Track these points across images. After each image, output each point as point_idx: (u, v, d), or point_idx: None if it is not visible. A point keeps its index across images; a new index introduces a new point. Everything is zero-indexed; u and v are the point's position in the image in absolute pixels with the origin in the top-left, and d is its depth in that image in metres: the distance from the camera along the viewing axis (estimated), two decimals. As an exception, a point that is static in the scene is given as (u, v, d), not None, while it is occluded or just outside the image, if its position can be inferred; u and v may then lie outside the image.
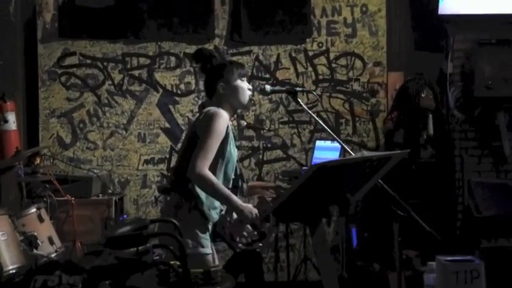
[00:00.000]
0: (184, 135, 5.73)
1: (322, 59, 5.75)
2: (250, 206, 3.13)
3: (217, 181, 3.14)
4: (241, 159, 5.70)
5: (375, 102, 5.73)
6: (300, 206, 3.03)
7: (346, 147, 3.19)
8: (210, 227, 3.31)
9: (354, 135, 5.74)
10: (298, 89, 3.42)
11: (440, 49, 5.51)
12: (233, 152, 3.27)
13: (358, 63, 5.74)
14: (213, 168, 3.19)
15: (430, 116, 5.16)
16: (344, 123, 5.75)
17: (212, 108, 3.21)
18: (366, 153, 2.95)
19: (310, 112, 3.38)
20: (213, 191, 3.12)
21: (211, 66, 3.33)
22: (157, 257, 4.05)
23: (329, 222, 5.44)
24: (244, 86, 3.30)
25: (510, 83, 4.83)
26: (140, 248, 2.95)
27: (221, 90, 3.28)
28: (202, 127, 3.18)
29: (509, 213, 4.58)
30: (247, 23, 5.67)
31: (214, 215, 3.28)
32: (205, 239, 3.29)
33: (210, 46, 5.69)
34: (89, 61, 5.76)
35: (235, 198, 3.15)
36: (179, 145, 5.76)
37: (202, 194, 3.20)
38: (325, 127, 3.33)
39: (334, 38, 5.74)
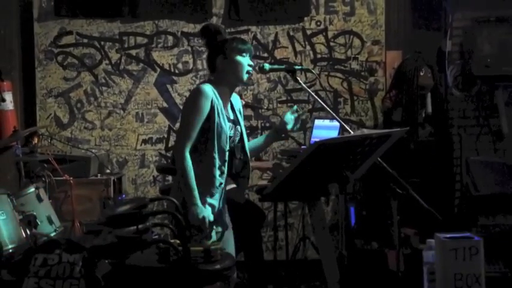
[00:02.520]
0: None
1: (321, 38, 5.73)
2: (203, 210, 3.11)
3: (190, 169, 3.12)
4: (239, 139, 5.70)
5: (373, 81, 5.72)
6: (299, 185, 3.04)
7: (344, 125, 3.18)
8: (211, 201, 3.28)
9: (353, 114, 5.73)
10: (297, 67, 3.41)
11: (439, 27, 5.49)
12: (224, 125, 3.22)
13: (357, 42, 5.72)
14: (205, 145, 3.19)
15: (429, 94, 5.16)
16: (342, 102, 5.74)
17: (196, 86, 3.25)
18: (366, 131, 2.96)
19: (309, 90, 3.37)
20: (182, 175, 3.13)
21: (215, 42, 3.30)
22: (157, 236, 4.06)
23: (327, 200, 5.45)
24: (244, 62, 3.25)
25: (509, 60, 4.81)
26: (140, 226, 2.96)
27: (220, 65, 3.26)
28: (184, 105, 3.29)
29: (507, 191, 4.59)
30: (245, 2, 5.63)
31: (213, 190, 3.25)
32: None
33: (207, 25, 5.66)
34: (85, 40, 5.72)
35: (196, 194, 3.13)
36: (177, 125, 5.75)
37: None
38: (324, 105, 3.32)
39: (332, 16, 5.71)
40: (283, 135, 3.42)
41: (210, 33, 3.31)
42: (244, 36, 5.62)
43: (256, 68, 3.35)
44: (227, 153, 3.25)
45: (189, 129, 3.15)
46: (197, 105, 3.15)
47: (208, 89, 3.19)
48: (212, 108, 3.18)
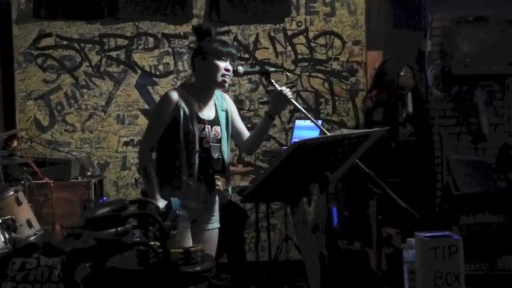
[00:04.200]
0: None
1: (301, 38, 5.73)
2: (162, 202, 3.11)
3: (150, 168, 3.23)
4: (221, 140, 5.68)
5: (354, 81, 5.73)
6: (280, 186, 3.03)
7: (321, 127, 3.14)
8: None
9: (334, 114, 5.74)
10: (271, 69, 3.39)
11: (419, 27, 5.51)
12: (191, 127, 3.23)
13: (337, 43, 5.73)
14: (173, 146, 3.22)
15: (409, 94, 5.17)
16: (324, 102, 5.75)
17: (165, 91, 3.33)
18: (345, 131, 2.95)
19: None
20: (144, 176, 3.26)
21: (200, 42, 3.32)
22: (138, 238, 4.04)
23: (309, 201, 5.45)
24: (220, 65, 3.24)
25: (488, 60, 4.84)
26: (119, 228, 2.94)
27: (197, 65, 3.28)
28: (153, 109, 3.49)
29: (487, 189, 4.63)
30: (225, 3, 5.63)
31: (183, 191, 3.25)
32: None
33: (188, 26, 5.65)
34: (65, 42, 5.68)
35: (156, 194, 3.20)
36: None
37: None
38: (299, 107, 3.23)
39: (313, 17, 5.72)
40: (276, 115, 3.37)
41: (200, 33, 3.32)
42: (225, 37, 5.62)
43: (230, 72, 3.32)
44: (197, 155, 3.24)
45: (150, 133, 3.31)
46: (160, 110, 3.28)
47: (174, 94, 3.25)
48: (177, 111, 3.22)
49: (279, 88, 3.20)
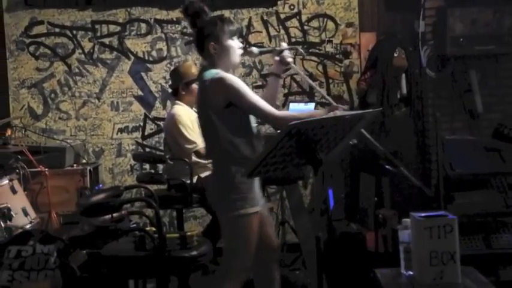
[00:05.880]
0: (157, 101, 5.70)
1: (294, 22, 5.71)
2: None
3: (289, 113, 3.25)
4: (216, 125, 5.67)
5: (348, 64, 5.72)
6: (275, 169, 3.03)
7: (329, 98, 3.19)
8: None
9: (328, 96, 5.72)
10: (285, 46, 3.34)
11: (412, 8, 5.48)
12: None
13: (331, 25, 5.71)
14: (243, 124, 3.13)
15: (403, 75, 5.17)
16: (318, 85, 5.72)
17: (217, 75, 3.09)
18: (338, 113, 2.93)
19: (302, 74, 3.31)
20: (294, 119, 2.94)
21: (201, 23, 3.17)
22: (135, 224, 4.04)
23: (305, 184, 5.46)
24: (235, 45, 3.18)
25: (481, 40, 4.83)
26: (115, 215, 2.95)
27: (212, 50, 3.15)
28: (225, 91, 3.05)
29: (482, 169, 4.63)
30: (218, -14, 5.59)
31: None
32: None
33: (181, 11, 5.62)
34: (57, 30, 5.66)
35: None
36: (153, 112, 5.72)
37: None
38: (312, 83, 3.32)
39: (305, -1, 5.70)
40: (281, 72, 3.35)
41: (194, 12, 3.17)
42: (217, 22, 5.57)
43: (244, 52, 3.28)
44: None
45: (253, 98, 3.07)
46: (239, 84, 3.08)
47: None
48: None
49: (280, 48, 3.24)
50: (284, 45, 3.34)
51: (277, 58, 3.26)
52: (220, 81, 3.06)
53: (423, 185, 3.32)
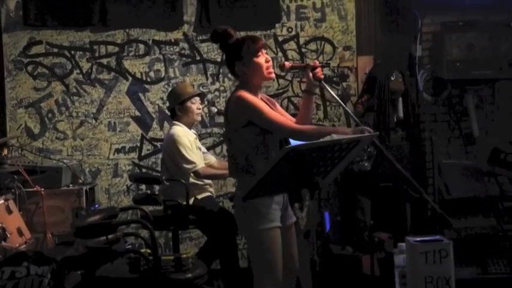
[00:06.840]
0: (155, 122, 5.70)
1: (292, 44, 5.74)
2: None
3: (308, 127, 3.19)
4: (213, 146, 5.68)
5: (346, 87, 5.74)
6: (271, 191, 3.03)
7: (354, 117, 3.23)
8: None
9: (325, 119, 5.75)
10: (318, 63, 3.32)
11: (409, 32, 5.53)
12: None
13: (328, 48, 5.74)
14: (263, 142, 3.19)
15: (400, 99, 5.19)
16: (315, 107, 5.75)
17: (237, 94, 3.20)
18: (335, 137, 2.94)
19: (332, 93, 3.28)
20: (313, 135, 3.05)
21: (228, 45, 3.29)
22: (130, 246, 4.02)
23: (302, 206, 5.45)
24: (261, 61, 3.24)
25: (477, 64, 4.87)
26: (110, 236, 2.94)
27: (239, 71, 3.26)
28: (241, 110, 3.15)
29: (478, 193, 4.64)
30: (216, 9, 5.63)
31: None
32: None
33: (178, 33, 5.66)
34: (55, 50, 5.67)
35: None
36: (150, 133, 5.72)
37: None
38: (348, 110, 3.35)
39: (303, 22, 5.73)
40: (314, 89, 3.36)
41: (219, 37, 3.30)
42: (216, 44, 5.59)
43: (274, 67, 3.31)
44: None
45: (270, 115, 3.15)
46: (255, 101, 3.17)
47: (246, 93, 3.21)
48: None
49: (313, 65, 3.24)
50: (317, 62, 3.34)
51: (310, 74, 3.27)
52: (237, 100, 3.19)
53: (444, 214, 3.30)
